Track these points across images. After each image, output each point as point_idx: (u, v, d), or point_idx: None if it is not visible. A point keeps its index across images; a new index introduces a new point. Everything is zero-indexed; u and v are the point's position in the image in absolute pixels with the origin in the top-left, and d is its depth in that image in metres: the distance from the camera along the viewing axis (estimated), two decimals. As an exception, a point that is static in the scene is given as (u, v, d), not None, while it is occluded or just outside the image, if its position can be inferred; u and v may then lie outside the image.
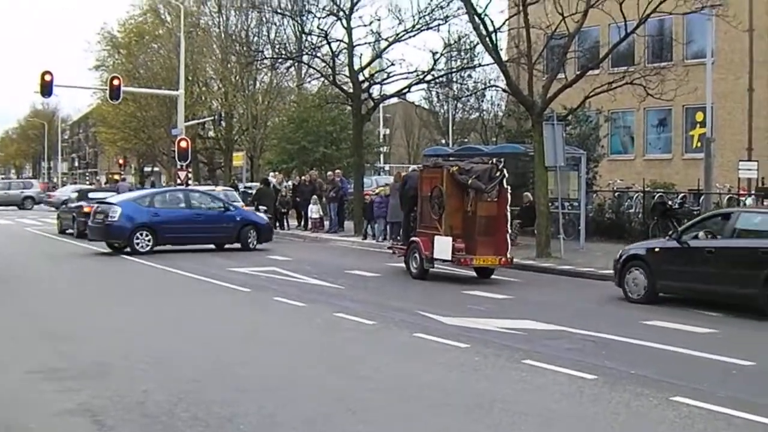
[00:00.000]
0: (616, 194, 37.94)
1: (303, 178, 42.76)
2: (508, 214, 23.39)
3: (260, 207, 37.49)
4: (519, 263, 26.22)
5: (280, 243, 34.82)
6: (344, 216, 40.08)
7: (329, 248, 33.46)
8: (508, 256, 23.08)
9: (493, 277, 23.98)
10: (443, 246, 22.84)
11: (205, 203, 32.85)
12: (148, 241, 30.06)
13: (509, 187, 23.39)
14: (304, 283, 22.47)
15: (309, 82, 63.70)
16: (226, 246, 31.89)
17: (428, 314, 17.17)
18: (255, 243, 32.12)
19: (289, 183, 44.63)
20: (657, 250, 19.91)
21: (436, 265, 23.78)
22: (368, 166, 59.83)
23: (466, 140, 72.61)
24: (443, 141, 72.45)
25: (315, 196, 39.53)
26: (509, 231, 23.59)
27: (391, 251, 26.71)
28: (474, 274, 24.12)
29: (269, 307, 18.59)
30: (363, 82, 40.87)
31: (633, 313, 17.91)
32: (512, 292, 20.93)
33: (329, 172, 42.21)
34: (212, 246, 31.92)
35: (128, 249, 29.99)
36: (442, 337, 14.65)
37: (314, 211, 39.61)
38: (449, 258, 22.92)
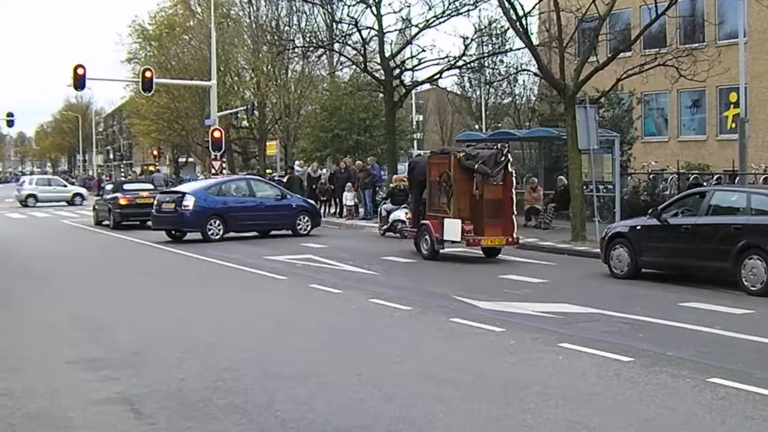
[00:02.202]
0: (651, 176, 37.75)
1: (339, 165, 42.80)
2: (514, 196, 24.68)
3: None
4: (554, 247, 26.38)
5: (315, 230, 34.94)
6: (378, 203, 40.12)
7: (364, 235, 33.49)
8: (515, 236, 24.40)
9: (528, 261, 24.17)
10: (453, 228, 23.94)
11: (263, 191, 33.66)
12: (219, 228, 31.02)
13: (514, 171, 24.80)
14: (340, 270, 22.53)
15: (341, 70, 63.72)
16: (274, 232, 32.72)
17: (464, 299, 17.20)
18: (309, 229, 33.06)
19: (325, 171, 44.63)
20: (639, 228, 20.79)
21: (446, 246, 24.71)
22: (402, 153, 59.72)
23: (499, 125, 72.35)
24: (476, 126, 72.28)
25: (350, 184, 39.51)
26: (514, 212, 24.76)
27: (400, 235, 27.89)
28: (482, 254, 25.30)
29: (305, 294, 18.61)
30: (394, 68, 40.91)
31: (668, 295, 17.87)
32: (547, 276, 20.88)
33: (361, 160, 42.18)
34: (257, 233, 32.54)
35: (198, 237, 30.94)
36: (478, 321, 14.66)
37: (349, 198, 39.61)
38: (458, 239, 24.04)
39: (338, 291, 18.67)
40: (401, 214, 31.32)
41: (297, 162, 53.41)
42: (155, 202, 32.79)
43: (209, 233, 30.72)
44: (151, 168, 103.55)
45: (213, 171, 47.09)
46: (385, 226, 32.60)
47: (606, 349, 12.32)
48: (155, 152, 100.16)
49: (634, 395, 10.03)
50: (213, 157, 47.48)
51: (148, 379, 10.97)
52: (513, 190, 24.63)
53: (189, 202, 30.82)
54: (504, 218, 24.41)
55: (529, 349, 12.59)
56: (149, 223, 33.56)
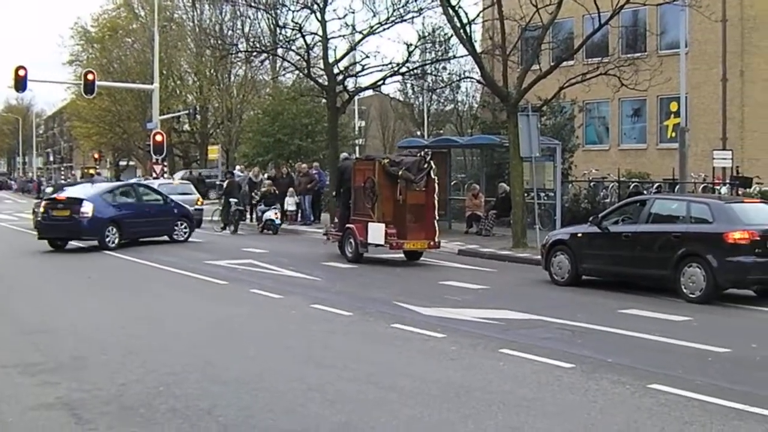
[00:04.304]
0: (592, 184, 38.05)
1: (282, 170, 42.64)
2: (436, 202, 25.42)
3: (231, 200, 37.46)
4: (495, 253, 26.53)
5: (256, 236, 34.85)
6: (321, 208, 40.08)
7: (305, 240, 33.39)
8: (436, 240, 25.11)
9: (469, 267, 24.28)
10: (376, 231, 24.67)
11: (148, 197, 32.82)
12: (116, 236, 29.73)
13: (437, 178, 25.44)
14: (281, 275, 22.48)
15: (284, 75, 63.65)
16: (158, 239, 31.78)
17: (405, 305, 17.21)
18: (186, 235, 32.35)
19: (265, 175, 44.40)
20: (579, 235, 21.08)
21: (369, 250, 25.43)
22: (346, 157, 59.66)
23: (441, 132, 72.69)
24: (418, 133, 72.52)
25: (291, 189, 39.43)
26: (436, 217, 25.49)
27: (326, 237, 28.09)
28: (404, 257, 26.02)
29: (246, 299, 18.56)
30: (338, 74, 40.86)
31: (609, 302, 18.03)
32: (488, 283, 20.99)
33: (302, 164, 42.03)
34: (166, 238, 31.85)
35: (77, 245, 30.05)
36: (419, 327, 14.70)
37: (290, 203, 39.49)
38: (382, 242, 24.67)
39: (279, 296, 18.62)
40: (272, 214, 35.92)
41: (238, 167, 53.20)
42: (41, 209, 30.94)
43: (106, 241, 29.42)
44: (92, 171, 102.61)
45: (154, 175, 46.79)
46: (259, 225, 35.95)
47: (547, 355, 12.40)
48: (96, 155, 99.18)
49: (575, 401, 10.11)
50: (154, 160, 47.21)
51: (89, 383, 10.87)
52: (435, 196, 25.31)
53: (87, 209, 29.26)
54: (426, 222, 25.14)
55: (470, 354, 12.64)
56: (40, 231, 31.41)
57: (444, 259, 25.87)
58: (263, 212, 36.40)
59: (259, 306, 17.76)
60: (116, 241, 29.63)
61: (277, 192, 38.28)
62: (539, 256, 22.34)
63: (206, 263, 25.06)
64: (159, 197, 32.96)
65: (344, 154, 30.46)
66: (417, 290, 19.81)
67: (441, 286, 20.50)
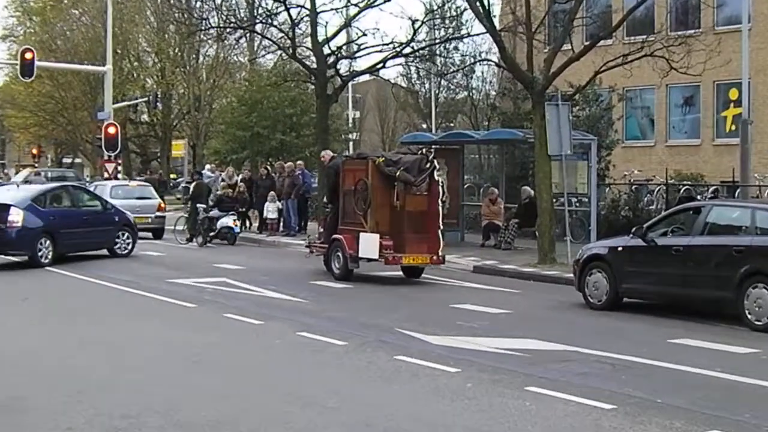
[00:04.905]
0: (634, 188, 38.00)
1: (261, 171, 42.59)
2: (440, 208, 25.29)
3: (198, 206, 37.07)
4: (518, 271, 26.52)
5: (230, 249, 34.81)
6: (308, 216, 40.00)
7: (289, 254, 33.36)
8: (440, 254, 25.03)
9: (487, 287, 24.31)
10: (369, 244, 24.56)
11: (84, 202, 32.38)
12: (49, 249, 29.19)
13: (440, 180, 25.61)
14: (260, 297, 22.48)
15: (263, 56, 63.68)
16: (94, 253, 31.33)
17: (410, 332, 17.19)
18: (130, 248, 31.98)
19: (239, 177, 44.32)
20: (620, 249, 20.91)
21: (360, 265, 25.35)
22: (338, 155, 59.82)
23: (452, 124, 72.77)
24: (425, 125, 72.57)
25: (273, 193, 39.32)
26: (441, 227, 25.20)
27: (308, 250, 28.05)
28: (401, 274, 26.07)
29: (219, 325, 18.52)
30: (329, 55, 40.80)
31: (656, 330, 18.00)
32: (510, 306, 20.97)
33: (286, 163, 41.87)
34: (105, 252, 31.49)
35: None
36: (428, 360, 14.67)
37: (271, 210, 39.37)
38: (376, 257, 24.69)
39: (259, 322, 18.58)
40: (229, 221, 36.34)
41: (208, 166, 53.18)
42: None
43: (39, 255, 28.80)
44: (29, 170, 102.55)
45: (107, 175, 46.78)
46: (212, 234, 35.99)
47: (582, 394, 12.38)
48: (35, 151, 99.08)
49: (617, 450, 10.08)
50: (106, 158, 47.20)
51: (29, 428, 10.86)
52: (440, 201, 25.30)
53: (17, 217, 28.62)
54: (429, 233, 25.08)
55: (489, 393, 12.61)
56: None
57: (456, 278, 25.88)
58: (217, 218, 36.37)
59: (234, 334, 17.72)
60: (50, 255, 29.12)
61: (239, 195, 38.36)
62: (571, 275, 22.33)
63: (169, 282, 25.02)
64: (98, 202, 32.68)
65: (327, 152, 30.29)
66: (424, 315, 19.80)
67: (453, 309, 20.46)
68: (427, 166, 24.96)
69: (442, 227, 25.39)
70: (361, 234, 24.77)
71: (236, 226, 36.70)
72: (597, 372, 14.08)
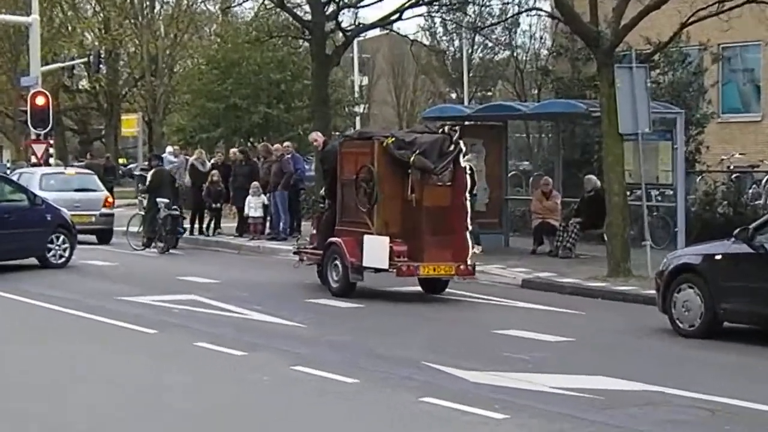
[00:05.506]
0: (734, 176, 37.97)
1: (234, 154, 42.55)
2: (468, 203, 25.17)
3: (158, 200, 36.94)
4: (581, 286, 26.47)
5: (200, 256, 34.87)
6: (301, 213, 39.91)
7: (277, 263, 33.38)
8: (469, 262, 24.74)
9: (540, 307, 24.31)
10: (376, 249, 24.42)
11: (3, 195, 32.32)
12: None
13: (468, 166, 25.69)
14: (241, 319, 22.55)
15: (240, 3, 63.78)
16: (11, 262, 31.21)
17: (440, 366, 17.18)
18: (67, 256, 31.90)
19: (211, 162, 44.25)
20: (718, 257, 20.67)
21: (365, 277, 25.36)
22: (337, 136, 59.95)
23: (490, 94, 72.92)
24: (454, 96, 72.71)
25: (256, 184, 39.25)
26: (469, 228, 25.07)
27: (297, 258, 28.05)
28: (419, 288, 25.99)
29: (188, 357, 18.55)
30: (327, 3, 40.87)
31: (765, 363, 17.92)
32: (573, 332, 20.97)
33: (273, 145, 41.81)
34: (34, 261, 31.52)
35: None
36: (465, 402, 14.56)
37: (253, 206, 39.28)
38: (385, 266, 24.55)
39: (241, 353, 18.53)
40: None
41: (169, 148, 53.14)
42: None
43: None
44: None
45: (34, 160, 46.76)
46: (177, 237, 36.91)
47: (674, 450, 12.32)
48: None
49: None
50: (33, 137, 47.24)
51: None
52: (468, 195, 25.15)
53: None
54: (454, 235, 24.92)
55: (549, 448, 12.57)
56: None
57: (499, 295, 25.91)
58: (179, 216, 37.28)
59: (210, 368, 17.67)
60: None
61: (211, 187, 38.50)
62: (652, 291, 22.27)
63: (121, 300, 25.08)
64: (23, 196, 32.54)
65: (317, 134, 30.31)
66: (457, 343, 19.85)
67: (496, 336, 20.49)
68: (451, 148, 24.68)
69: (471, 228, 25.14)
70: (366, 237, 24.62)
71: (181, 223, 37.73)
72: (691, 419, 14.00)
